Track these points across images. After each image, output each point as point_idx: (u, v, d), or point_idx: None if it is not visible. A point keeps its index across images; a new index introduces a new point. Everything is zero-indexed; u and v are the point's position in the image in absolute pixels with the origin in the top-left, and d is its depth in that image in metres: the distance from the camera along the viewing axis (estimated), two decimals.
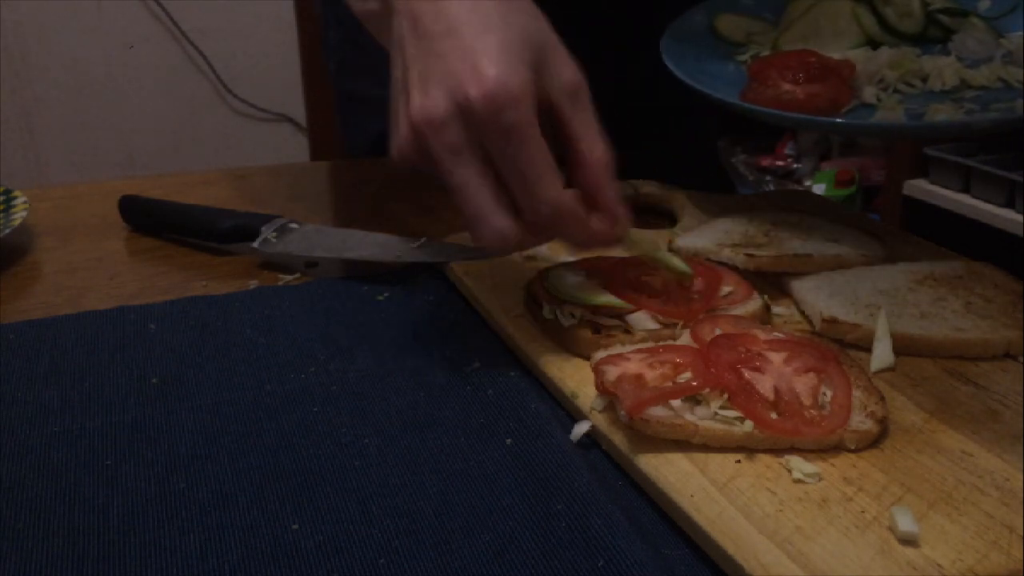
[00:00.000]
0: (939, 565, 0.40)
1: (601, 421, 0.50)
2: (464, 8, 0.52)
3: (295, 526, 0.45)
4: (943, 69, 0.73)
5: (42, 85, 2.39)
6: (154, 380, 0.57)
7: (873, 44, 0.77)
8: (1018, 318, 0.57)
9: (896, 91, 0.72)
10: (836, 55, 0.76)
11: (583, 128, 0.53)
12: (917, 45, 0.77)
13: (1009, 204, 1.94)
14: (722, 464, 0.46)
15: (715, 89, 0.70)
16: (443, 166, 0.51)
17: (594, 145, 0.53)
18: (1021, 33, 0.75)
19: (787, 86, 0.72)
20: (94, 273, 0.74)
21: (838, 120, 0.70)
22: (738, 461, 0.46)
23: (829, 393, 0.49)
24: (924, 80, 0.73)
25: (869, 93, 0.72)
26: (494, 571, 0.42)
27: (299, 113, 2.60)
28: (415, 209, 0.85)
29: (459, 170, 0.51)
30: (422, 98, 0.51)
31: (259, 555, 0.43)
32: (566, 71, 0.53)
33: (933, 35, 0.78)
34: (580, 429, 0.51)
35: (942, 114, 0.67)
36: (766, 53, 0.78)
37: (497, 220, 0.51)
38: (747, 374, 0.49)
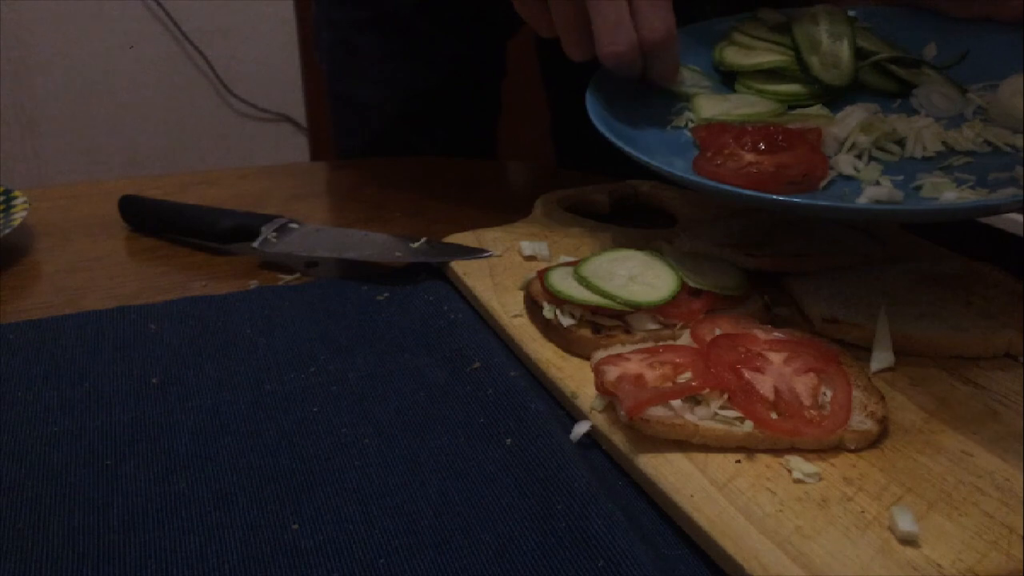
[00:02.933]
0: (939, 565, 0.40)
1: (601, 421, 0.50)
2: None
3: (295, 526, 0.45)
4: (921, 132, 0.64)
5: (42, 85, 2.39)
6: (154, 380, 0.57)
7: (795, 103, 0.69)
8: (1018, 318, 0.57)
9: (872, 158, 0.63)
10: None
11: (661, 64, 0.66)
12: (874, 100, 0.69)
13: None
14: (722, 464, 0.46)
15: (660, 159, 0.59)
16: None
17: None
18: (983, 85, 0.68)
19: (750, 156, 0.62)
20: (94, 273, 0.74)
21: (834, 204, 0.58)
22: (738, 461, 0.47)
23: (829, 393, 0.49)
24: (898, 144, 0.64)
25: (845, 162, 0.62)
26: (494, 571, 0.42)
27: (299, 113, 2.59)
28: (415, 209, 0.85)
29: None
30: None
31: (259, 555, 0.43)
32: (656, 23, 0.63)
33: (878, 88, 0.71)
34: (580, 429, 0.51)
35: (946, 190, 0.58)
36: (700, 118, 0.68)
37: (629, 29, 0.61)
38: (747, 374, 0.49)
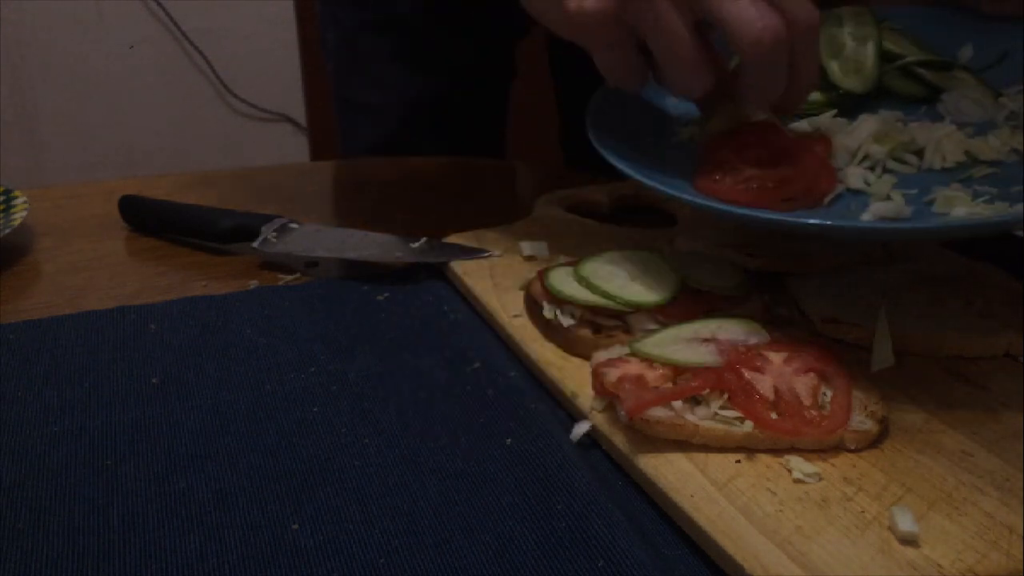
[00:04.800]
0: (939, 565, 0.40)
1: (601, 421, 0.50)
2: None
3: (295, 526, 0.45)
4: (941, 141, 0.59)
5: (42, 85, 2.39)
6: (154, 380, 0.57)
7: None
8: (1018, 318, 0.57)
9: (887, 170, 0.59)
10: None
11: (805, 62, 0.55)
12: (900, 108, 0.65)
13: None
14: (722, 464, 0.46)
15: (660, 179, 0.56)
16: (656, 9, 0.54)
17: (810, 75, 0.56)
18: (1020, 89, 0.63)
19: (750, 170, 0.57)
20: (94, 273, 0.74)
21: (829, 222, 0.53)
22: (738, 461, 0.47)
23: (829, 393, 0.49)
24: (918, 154, 0.60)
25: (854, 176, 0.58)
26: (494, 571, 0.42)
27: (299, 113, 2.59)
28: (415, 209, 0.85)
29: (670, 17, 0.54)
30: None
31: (259, 555, 0.43)
32: (801, 9, 0.54)
33: (905, 93, 0.67)
34: (580, 429, 0.51)
35: (959, 205, 0.54)
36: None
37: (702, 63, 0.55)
38: (747, 374, 0.49)
